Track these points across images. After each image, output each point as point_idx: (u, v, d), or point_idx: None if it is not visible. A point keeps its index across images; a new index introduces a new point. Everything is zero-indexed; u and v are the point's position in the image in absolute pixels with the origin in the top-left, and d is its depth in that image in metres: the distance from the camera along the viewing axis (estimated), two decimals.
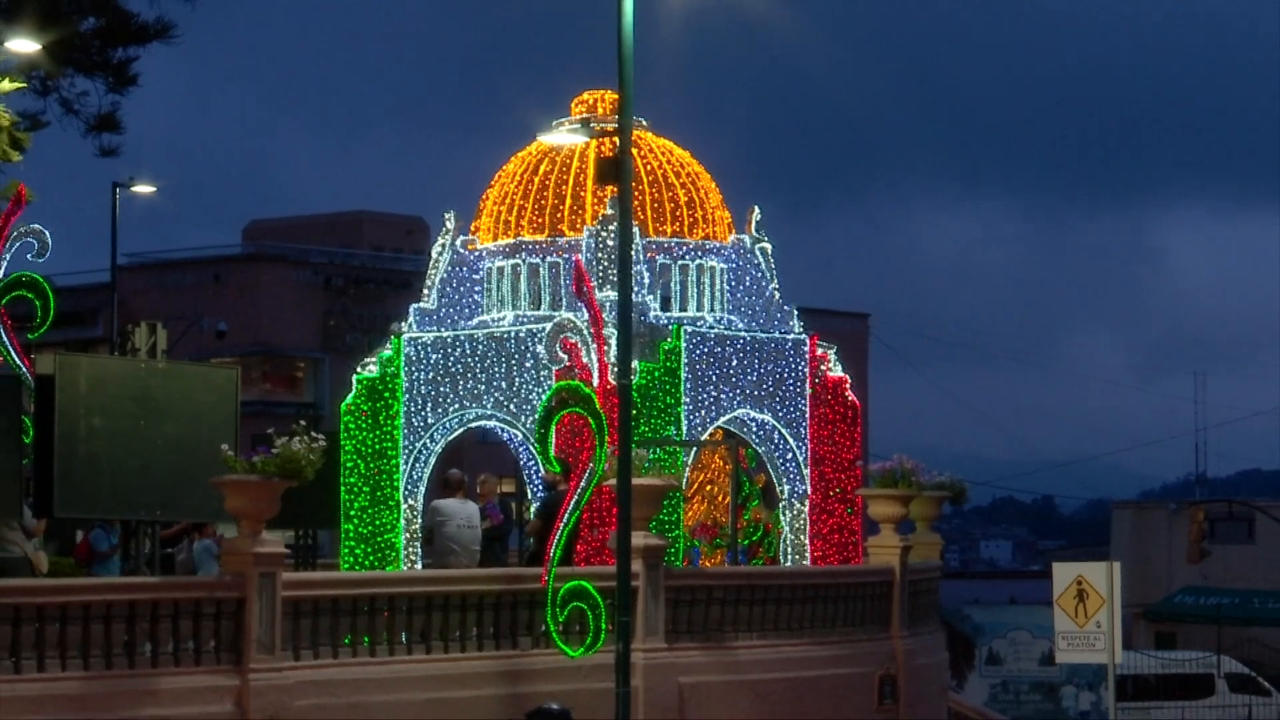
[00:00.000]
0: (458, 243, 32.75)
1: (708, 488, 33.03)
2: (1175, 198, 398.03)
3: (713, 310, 32.00)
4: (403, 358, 31.98)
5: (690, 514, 31.57)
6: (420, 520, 30.82)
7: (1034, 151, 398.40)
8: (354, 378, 32.86)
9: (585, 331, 28.46)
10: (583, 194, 31.59)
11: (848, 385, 33.16)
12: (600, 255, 30.21)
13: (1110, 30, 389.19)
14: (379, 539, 31.34)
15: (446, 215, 33.24)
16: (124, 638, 22.68)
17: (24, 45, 30.37)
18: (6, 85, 30.85)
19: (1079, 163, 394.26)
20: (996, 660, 56.49)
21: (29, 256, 27.56)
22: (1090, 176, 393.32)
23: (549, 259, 31.58)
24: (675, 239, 31.79)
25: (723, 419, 31.47)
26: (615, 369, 25.49)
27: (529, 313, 31.49)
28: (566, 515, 26.06)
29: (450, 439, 32.34)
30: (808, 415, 32.11)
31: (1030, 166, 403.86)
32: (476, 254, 32.52)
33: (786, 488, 32.32)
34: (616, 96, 25.43)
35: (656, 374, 30.16)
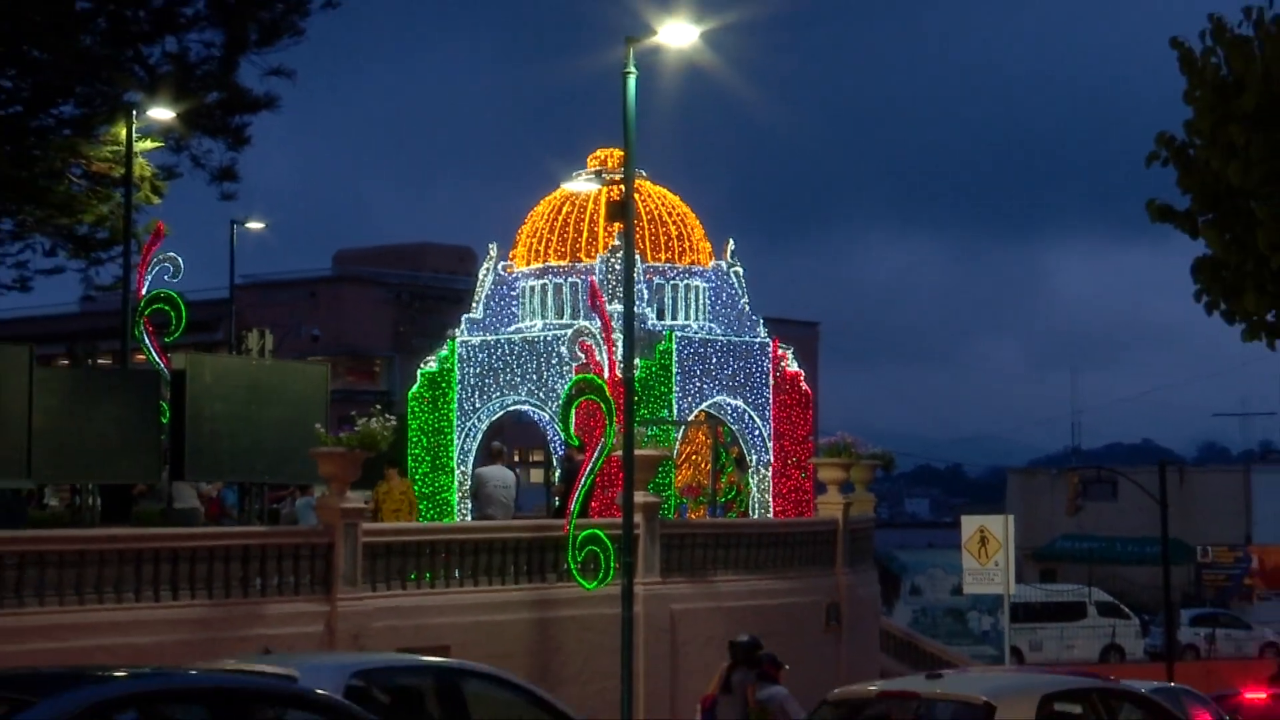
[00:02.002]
0: (499, 267, 32.75)
1: (693, 457, 33.01)
2: (1062, 233, 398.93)
3: (697, 319, 31.98)
4: (456, 356, 32.00)
5: (680, 478, 31.54)
6: (469, 483, 30.84)
7: (954, 196, 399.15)
8: (419, 372, 32.88)
9: (598, 336, 28.46)
10: (596, 229, 31.60)
11: (802, 378, 33.18)
12: (609, 276, 30.21)
13: (1015, 99, 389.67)
14: (438, 497, 31.35)
15: (490, 246, 33.26)
16: (240, 573, 22.72)
17: (162, 114, 30.38)
18: (148, 144, 30.85)
19: (988, 205, 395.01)
20: (917, 591, 56.45)
21: (165, 277, 27.62)
22: (997, 216, 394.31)
23: (570, 279, 31.58)
24: (668, 264, 31.79)
25: (705, 404, 31.46)
26: (621, 365, 25.48)
27: (554, 321, 31.48)
28: (583, 478, 26.07)
29: (493, 419, 32.35)
30: (771, 401, 32.12)
31: (951, 208, 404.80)
32: (514, 276, 32.52)
33: (754, 457, 32.31)
34: (622, 153, 25.41)
35: (653, 369, 30.15)
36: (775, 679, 21.30)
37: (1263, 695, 29.88)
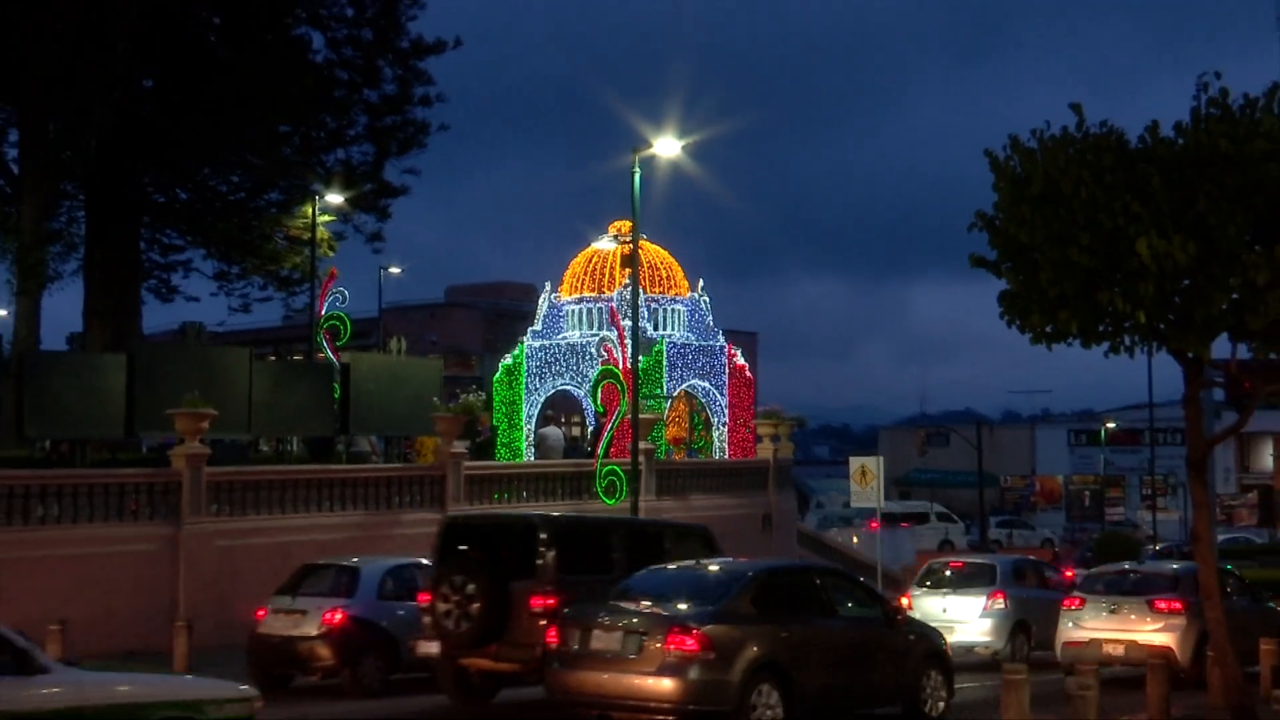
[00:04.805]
0: (551, 296, 32.71)
1: (677, 420, 32.99)
2: (919, 273, 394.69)
3: (679, 331, 31.92)
4: (524, 354, 31.97)
5: (668, 433, 31.52)
6: (533, 438, 30.79)
7: (850, 248, 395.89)
8: (500, 364, 32.86)
9: (615, 342, 28.41)
10: (613, 273, 31.54)
11: (746, 369, 33.12)
12: (623, 303, 30.12)
13: (890, 184, 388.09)
14: (513, 445, 31.31)
15: (546, 284, 33.26)
16: (385, 494, 22.73)
17: (335, 198, 30.35)
18: (326, 218, 30.77)
19: (873, 254, 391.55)
20: (821, 506, 56.44)
21: (337, 304, 27.53)
22: (878, 261, 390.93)
23: (597, 305, 31.52)
24: (660, 295, 31.74)
25: (683, 386, 31.44)
26: (630, 360, 25.47)
27: (587, 332, 31.45)
28: (606, 433, 26.08)
29: (548, 395, 32.29)
30: (727, 383, 32.09)
31: (848, 256, 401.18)
32: (561, 303, 32.46)
33: (715, 419, 32.28)
34: (631, 223, 25.38)
35: (651, 363, 30.13)
36: None
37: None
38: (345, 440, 25.93)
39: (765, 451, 30.46)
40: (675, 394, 31.42)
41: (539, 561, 13.46)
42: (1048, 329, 13.43)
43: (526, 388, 31.76)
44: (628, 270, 28.12)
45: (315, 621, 15.56)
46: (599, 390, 26.81)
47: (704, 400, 32.36)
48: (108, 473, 19.93)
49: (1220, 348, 13.90)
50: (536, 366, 31.72)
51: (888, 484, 33.57)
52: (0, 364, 20.43)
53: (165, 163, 30.02)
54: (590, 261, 32.28)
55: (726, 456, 31.71)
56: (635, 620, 12.01)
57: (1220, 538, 37.70)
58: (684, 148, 23.97)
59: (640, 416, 24.91)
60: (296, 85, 29.23)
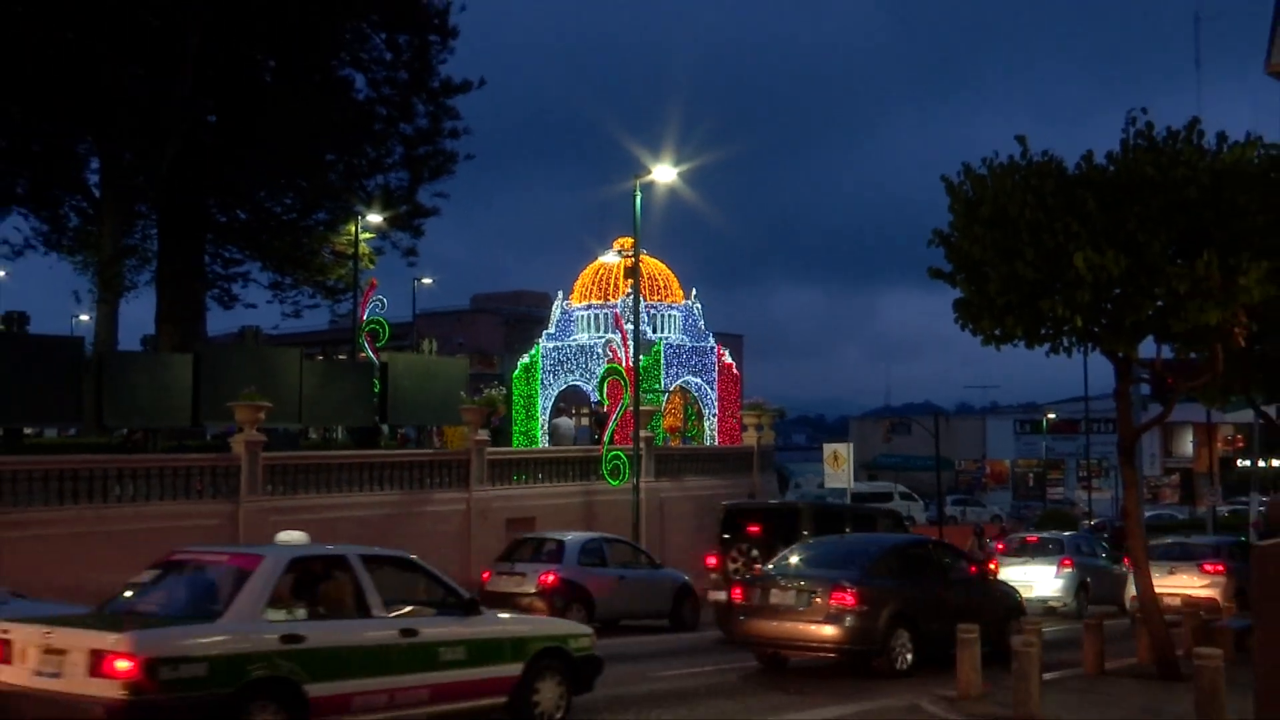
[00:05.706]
0: (564, 304, 32.66)
1: (673, 411, 32.95)
2: (888, 284, 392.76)
3: (674, 334, 31.88)
4: (540, 354, 31.92)
5: (665, 423, 31.49)
6: (547, 427, 30.72)
7: (828, 261, 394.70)
8: (519, 363, 32.82)
9: (619, 343, 28.38)
10: (618, 283, 31.49)
11: (734, 367, 33.09)
12: (626, 309, 30.10)
13: (862, 204, 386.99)
14: (530, 433, 31.26)
15: (559, 292, 33.20)
16: (417, 476, 22.68)
17: (375, 218, 30.34)
18: (367, 235, 30.84)
19: (848, 266, 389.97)
20: (799, 486, 56.32)
21: (377, 310, 27.53)
22: (852, 273, 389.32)
23: (603, 311, 31.47)
24: (659, 302, 31.69)
25: (678, 381, 31.40)
26: (632, 359, 25.42)
27: (595, 335, 31.41)
28: (610, 423, 26.04)
29: (561, 390, 32.25)
30: (716, 380, 32.05)
31: (825, 268, 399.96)
32: (572, 309, 32.41)
33: (706, 411, 32.23)
34: (633, 240, 25.35)
35: (650, 361, 30.09)
36: None
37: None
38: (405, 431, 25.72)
39: (750, 439, 30.41)
40: (671, 389, 31.39)
41: (802, 534, 16.53)
42: (996, 332, 13.43)
43: (542, 383, 31.74)
44: (630, 281, 28.09)
45: (533, 581, 17.81)
46: (605, 385, 26.80)
47: (696, 394, 32.33)
48: (176, 457, 19.94)
49: (1147, 348, 13.91)
50: (550, 365, 31.69)
51: (857, 467, 33.55)
52: (83, 362, 20.41)
53: (226, 187, 30.03)
54: (597, 273, 32.24)
55: (716, 443, 31.68)
56: (804, 581, 13.67)
57: (1147, 514, 37.59)
58: (679, 174, 23.99)
59: (640, 409, 24.89)
60: (341, 120, 29.24)
